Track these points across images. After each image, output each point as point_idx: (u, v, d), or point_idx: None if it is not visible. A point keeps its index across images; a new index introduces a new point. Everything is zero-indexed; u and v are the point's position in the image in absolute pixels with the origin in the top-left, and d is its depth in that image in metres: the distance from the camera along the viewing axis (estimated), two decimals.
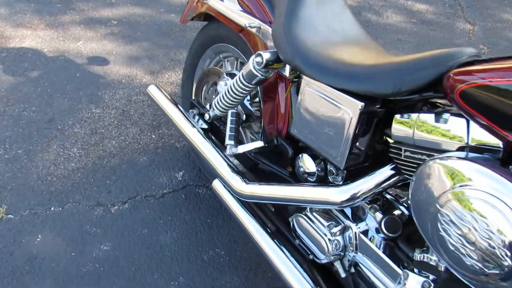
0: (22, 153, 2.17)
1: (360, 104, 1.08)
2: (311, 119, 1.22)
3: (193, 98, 1.97)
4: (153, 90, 1.78)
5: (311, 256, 1.25)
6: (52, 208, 1.91)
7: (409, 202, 1.18)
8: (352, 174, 1.23)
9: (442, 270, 0.99)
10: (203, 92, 1.87)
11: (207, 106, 1.75)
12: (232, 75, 1.62)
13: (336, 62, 1.15)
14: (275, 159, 1.50)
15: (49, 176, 2.06)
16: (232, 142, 1.42)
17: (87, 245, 1.77)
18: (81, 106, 2.49)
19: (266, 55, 1.28)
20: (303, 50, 1.21)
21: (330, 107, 1.16)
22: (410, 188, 0.94)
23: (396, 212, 1.17)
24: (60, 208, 1.91)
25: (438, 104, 1.12)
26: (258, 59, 1.29)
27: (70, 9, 3.44)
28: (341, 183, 1.27)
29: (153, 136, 2.32)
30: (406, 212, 1.18)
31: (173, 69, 2.84)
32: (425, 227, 0.91)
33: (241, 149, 1.40)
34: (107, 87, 2.64)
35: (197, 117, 1.73)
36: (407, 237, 1.12)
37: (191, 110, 1.75)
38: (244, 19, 1.48)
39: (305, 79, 1.23)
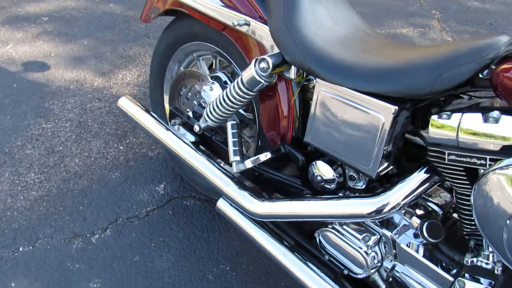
0: None
1: (393, 108, 0.99)
2: (331, 126, 1.11)
3: (168, 105, 1.77)
4: (124, 103, 1.57)
5: (345, 271, 1.17)
6: (21, 249, 1.66)
7: (443, 203, 1.13)
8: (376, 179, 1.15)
9: (499, 273, 0.95)
10: (180, 98, 1.68)
11: (190, 114, 1.57)
12: (217, 78, 1.46)
13: (358, 62, 1.03)
14: (280, 168, 1.38)
15: (8, 210, 1.79)
16: (238, 158, 1.27)
17: (73, 285, 1.56)
18: (28, 122, 2.18)
19: (272, 60, 1.13)
20: (316, 50, 1.08)
21: (355, 112, 1.05)
22: (472, 196, 0.88)
23: (430, 215, 1.11)
24: (31, 247, 1.67)
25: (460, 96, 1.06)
26: (263, 64, 1.14)
27: None
28: (362, 187, 1.20)
29: (121, 147, 2.09)
30: (440, 212, 1.13)
31: (126, 68, 2.57)
32: (494, 236, 0.85)
33: (249, 164, 1.26)
34: (54, 97, 2.34)
35: (181, 128, 1.55)
36: (447, 242, 1.07)
37: (173, 121, 1.57)
38: (229, 16, 1.31)
39: (320, 83, 1.10)
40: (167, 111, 1.83)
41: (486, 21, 3.05)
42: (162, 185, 1.93)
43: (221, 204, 1.34)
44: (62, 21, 2.92)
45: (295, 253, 1.22)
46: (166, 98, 1.81)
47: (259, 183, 1.41)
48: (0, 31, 2.79)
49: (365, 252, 1.11)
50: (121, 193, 1.89)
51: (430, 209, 1.13)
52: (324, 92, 1.10)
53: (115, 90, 2.41)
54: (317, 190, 1.27)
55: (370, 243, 1.11)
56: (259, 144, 1.44)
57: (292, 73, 1.18)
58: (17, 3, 3.05)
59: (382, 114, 1.01)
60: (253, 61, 1.17)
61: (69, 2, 3.11)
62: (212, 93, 1.43)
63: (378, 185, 1.19)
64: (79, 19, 2.96)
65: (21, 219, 1.76)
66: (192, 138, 1.50)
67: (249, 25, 1.28)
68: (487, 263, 0.96)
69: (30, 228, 1.73)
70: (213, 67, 1.67)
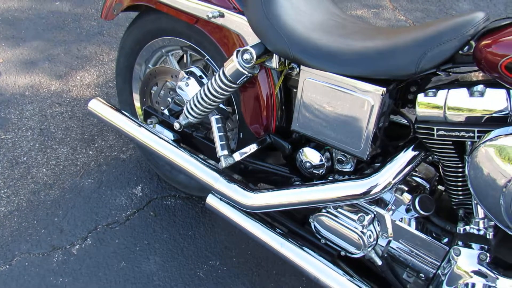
0: None
1: (381, 90, 1.01)
2: (319, 112, 1.12)
3: (139, 104, 1.71)
4: (96, 106, 1.50)
5: (342, 253, 1.19)
6: None
7: (429, 176, 1.18)
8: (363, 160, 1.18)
9: (491, 237, 1.01)
10: (152, 95, 1.63)
11: (165, 112, 1.53)
12: (192, 73, 1.42)
13: (342, 46, 1.04)
14: (265, 156, 1.38)
15: None
16: (226, 152, 1.26)
17: None
18: None
19: (255, 50, 1.12)
20: (299, 37, 1.08)
21: (343, 97, 1.06)
22: (466, 170, 0.92)
23: (419, 190, 1.16)
24: (7, 266, 1.58)
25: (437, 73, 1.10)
26: (246, 56, 1.12)
27: None
28: (351, 170, 1.22)
29: (90, 152, 2.01)
30: (427, 185, 1.18)
31: (83, 68, 2.46)
32: (492, 204, 0.90)
33: (237, 157, 1.25)
34: (9, 105, 2.20)
35: (158, 126, 1.50)
36: (437, 214, 1.12)
37: (149, 120, 1.52)
38: (201, 8, 1.28)
39: (305, 70, 1.10)
40: (138, 111, 1.77)
41: None
42: (140, 187, 1.88)
43: (211, 200, 1.32)
44: (6, 23, 2.74)
45: (291, 240, 1.23)
46: (135, 97, 1.75)
47: (245, 175, 1.40)
48: None
49: (361, 231, 1.14)
50: (97, 199, 1.82)
51: (417, 184, 1.18)
52: (310, 79, 1.10)
53: (74, 93, 2.30)
54: (306, 177, 1.28)
55: (365, 222, 1.14)
56: (241, 136, 1.42)
57: (274, 62, 1.18)
58: None
59: (370, 96, 1.03)
60: (235, 53, 1.15)
61: (11, 3, 2.91)
62: (188, 88, 1.40)
63: (366, 166, 1.22)
64: (25, 20, 2.78)
65: None
66: (171, 136, 1.47)
67: (223, 16, 1.25)
68: (478, 230, 1.02)
69: (4, 246, 1.64)
70: (184, 61, 1.63)
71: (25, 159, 1.95)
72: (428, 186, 1.18)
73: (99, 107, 1.50)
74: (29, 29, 2.71)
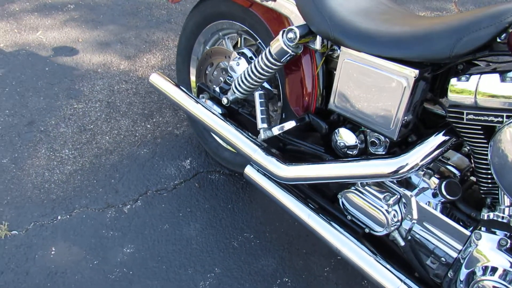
0: (8, 162, 1.98)
1: (414, 72, 1.05)
2: (355, 92, 1.18)
3: (195, 81, 1.86)
4: (156, 79, 1.66)
5: (367, 230, 1.24)
6: (59, 217, 1.78)
7: (461, 166, 1.20)
8: (396, 143, 1.22)
9: None
10: (207, 75, 1.76)
11: (217, 89, 1.66)
12: (243, 54, 1.54)
13: (382, 29, 1.10)
14: (304, 136, 1.46)
15: (46, 183, 1.91)
16: (265, 125, 1.36)
17: (108, 250, 1.67)
18: (60, 103, 2.30)
19: (299, 30, 1.21)
20: (341, 20, 1.15)
21: (379, 78, 1.12)
22: (489, 152, 0.94)
23: (448, 175, 1.18)
24: (68, 216, 1.78)
25: (475, 63, 1.12)
26: (291, 35, 1.21)
27: None
28: (383, 152, 1.27)
29: (148, 125, 2.19)
30: (458, 173, 1.19)
31: (150, 52, 2.67)
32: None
33: (276, 131, 1.34)
34: (83, 79, 2.45)
35: (209, 102, 1.63)
36: (463, 199, 1.14)
37: (201, 95, 1.65)
38: None
39: (344, 51, 1.17)
40: (194, 88, 1.92)
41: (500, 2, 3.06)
42: (188, 161, 2.03)
43: (249, 170, 1.42)
44: (88, 8, 3.03)
45: (320, 214, 1.30)
46: (192, 76, 1.89)
47: (284, 152, 1.49)
48: (30, 18, 2.90)
49: (386, 210, 1.18)
50: (150, 167, 1.99)
51: (449, 171, 1.20)
52: (348, 60, 1.17)
53: (140, 72, 2.51)
54: (340, 157, 1.34)
55: (391, 202, 1.18)
56: (283, 116, 1.51)
57: (317, 44, 1.25)
58: None
59: (404, 78, 1.07)
60: (281, 32, 1.25)
61: None
62: (238, 67, 1.51)
63: (398, 150, 1.26)
64: (103, 6, 3.06)
65: (58, 191, 1.87)
66: (220, 111, 1.59)
67: (275, 0, 1.35)
68: (503, 217, 1.03)
69: (67, 199, 1.85)
70: (238, 45, 1.75)
71: (92, 127, 2.17)
72: (459, 174, 1.19)
73: (159, 80, 1.66)
74: (106, 14, 2.98)
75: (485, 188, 1.08)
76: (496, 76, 0.96)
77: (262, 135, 1.35)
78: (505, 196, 1.02)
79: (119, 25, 2.89)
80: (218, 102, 1.61)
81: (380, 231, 1.21)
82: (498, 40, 0.98)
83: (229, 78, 1.65)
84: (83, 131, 2.14)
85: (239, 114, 1.57)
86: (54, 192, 1.87)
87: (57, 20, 2.90)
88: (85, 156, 2.03)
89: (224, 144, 1.80)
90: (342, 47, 1.17)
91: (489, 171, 1.04)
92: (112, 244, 1.69)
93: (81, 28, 2.83)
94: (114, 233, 1.73)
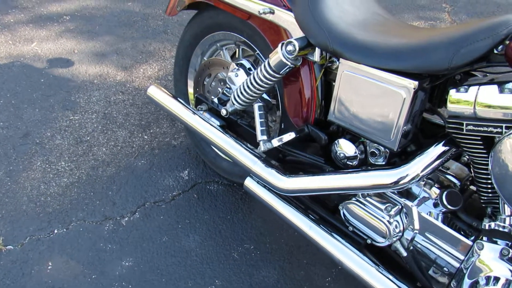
0: (2, 175, 1.96)
1: (414, 83, 1.06)
2: (355, 103, 1.19)
3: (193, 92, 1.86)
4: (154, 91, 1.66)
5: (369, 241, 1.24)
6: (56, 231, 1.76)
7: (461, 176, 1.20)
8: (396, 154, 1.23)
9: None
10: (205, 86, 1.77)
11: (215, 100, 1.66)
12: (242, 65, 1.54)
13: (380, 41, 1.11)
14: (303, 147, 1.46)
15: (42, 196, 1.89)
16: (265, 137, 1.36)
17: (107, 263, 1.65)
18: (56, 115, 2.28)
19: (298, 42, 1.21)
20: (339, 32, 1.16)
21: (378, 89, 1.13)
22: (490, 162, 0.95)
23: (448, 184, 1.19)
24: (65, 229, 1.77)
25: (473, 73, 1.13)
26: (290, 47, 1.22)
27: (12, 7, 3.11)
28: (383, 163, 1.27)
29: (145, 136, 2.19)
30: (458, 183, 1.20)
31: (147, 62, 2.67)
32: None
33: (275, 142, 1.34)
34: (79, 90, 2.44)
35: (207, 113, 1.63)
36: (464, 209, 1.14)
37: (199, 107, 1.65)
38: (253, 5, 1.39)
39: (343, 63, 1.18)
40: (191, 99, 1.92)
41: (496, 13, 3.10)
42: (186, 171, 2.02)
43: (249, 182, 1.42)
44: (83, 19, 3.03)
45: (321, 226, 1.30)
46: (190, 84, 1.89)
47: (283, 163, 1.49)
48: (25, 30, 2.90)
49: (387, 221, 1.18)
50: (148, 179, 1.98)
51: (449, 181, 1.20)
52: (347, 72, 1.18)
53: (137, 83, 2.50)
54: (340, 168, 1.34)
55: (392, 212, 1.18)
56: (282, 127, 1.51)
57: (316, 56, 1.26)
58: (40, 3, 3.17)
59: (403, 89, 1.08)
60: (280, 44, 1.25)
61: (89, 2, 3.21)
62: (237, 79, 1.52)
63: (398, 160, 1.27)
64: (99, 17, 3.06)
65: (55, 204, 1.86)
66: (218, 122, 1.59)
67: (273, 13, 1.36)
68: (504, 227, 1.03)
69: (63, 212, 1.83)
70: (236, 56, 1.75)
71: (88, 138, 2.16)
72: (459, 184, 1.20)
73: (156, 93, 1.65)
74: (102, 25, 2.98)
75: (485, 198, 1.08)
76: (495, 87, 0.97)
77: (262, 147, 1.35)
78: (506, 206, 1.03)
79: (115, 36, 2.89)
80: (216, 113, 1.61)
81: (382, 242, 1.20)
82: (495, 51, 1.00)
83: (228, 89, 1.65)
84: (80, 143, 2.13)
85: (238, 125, 1.57)
86: (50, 205, 1.85)
87: (52, 31, 2.90)
88: (82, 168, 2.01)
89: (223, 155, 1.80)
90: (341, 59, 1.18)
91: (489, 181, 1.05)
92: (110, 258, 1.67)
93: (76, 39, 2.83)
94: (112, 246, 1.72)
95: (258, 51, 1.54)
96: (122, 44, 2.81)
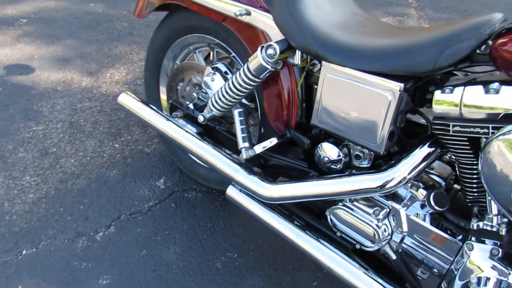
0: None
1: (399, 85, 1.04)
2: (338, 107, 1.16)
3: (166, 98, 1.78)
4: (125, 99, 1.57)
5: (357, 246, 1.22)
6: (24, 252, 1.65)
7: (445, 175, 1.20)
8: (381, 156, 1.21)
9: (504, 233, 1.02)
10: (178, 91, 1.70)
11: (191, 106, 1.60)
12: (217, 69, 1.48)
13: (363, 43, 1.09)
14: (285, 151, 1.42)
15: (6, 215, 1.77)
16: (247, 144, 1.31)
17: (82, 283, 1.56)
18: (17, 126, 2.15)
19: (278, 46, 1.17)
20: (321, 34, 1.13)
21: (362, 92, 1.10)
22: (480, 163, 0.94)
23: (435, 187, 1.18)
24: (34, 249, 1.66)
25: (454, 73, 1.13)
26: (270, 51, 1.18)
27: None
28: (368, 166, 1.25)
29: (116, 145, 2.09)
30: (443, 183, 1.20)
31: (113, 66, 2.56)
32: (503, 198, 0.91)
33: (258, 149, 1.30)
34: (41, 99, 2.31)
35: (182, 120, 1.57)
36: (452, 211, 1.14)
37: (174, 114, 1.58)
38: (229, 7, 1.34)
39: (326, 66, 1.15)
40: (164, 105, 1.84)
41: (460, 8, 3.18)
42: (162, 180, 1.94)
43: (231, 191, 1.37)
44: (42, 22, 2.87)
45: (307, 232, 1.27)
46: (162, 90, 1.82)
47: (265, 168, 1.44)
48: None
49: (376, 225, 1.16)
50: (121, 190, 1.89)
51: (433, 181, 1.20)
52: (330, 74, 1.15)
53: (104, 89, 2.39)
54: (324, 171, 1.31)
55: (380, 216, 1.16)
56: (262, 131, 1.47)
57: (297, 59, 1.22)
58: None
59: (389, 92, 1.06)
60: (259, 48, 1.21)
61: (47, 3, 3.05)
62: (213, 83, 1.46)
63: (383, 162, 1.25)
64: (60, 19, 2.91)
65: (21, 222, 1.74)
66: (195, 129, 1.53)
67: (250, 14, 1.31)
68: (492, 226, 1.03)
69: (32, 230, 1.72)
70: (211, 59, 1.69)
71: (54, 149, 2.04)
72: (444, 183, 1.19)
73: (128, 101, 1.57)
74: (63, 28, 2.84)
75: (471, 198, 1.08)
76: (480, 88, 0.97)
77: (244, 155, 1.30)
78: (493, 205, 1.03)
79: (78, 39, 2.75)
80: (192, 119, 1.55)
81: (371, 246, 1.19)
82: (478, 51, 0.99)
83: (204, 94, 1.59)
84: (45, 155, 2.01)
85: (216, 132, 1.51)
86: (16, 224, 1.73)
87: (8, 36, 2.73)
88: (49, 182, 1.90)
89: (201, 162, 1.73)
90: (323, 62, 1.15)
91: (475, 181, 1.05)
92: (86, 277, 1.58)
93: (36, 44, 2.68)
94: (87, 264, 1.62)
95: (233, 54, 1.48)
96: (86, 48, 2.68)
